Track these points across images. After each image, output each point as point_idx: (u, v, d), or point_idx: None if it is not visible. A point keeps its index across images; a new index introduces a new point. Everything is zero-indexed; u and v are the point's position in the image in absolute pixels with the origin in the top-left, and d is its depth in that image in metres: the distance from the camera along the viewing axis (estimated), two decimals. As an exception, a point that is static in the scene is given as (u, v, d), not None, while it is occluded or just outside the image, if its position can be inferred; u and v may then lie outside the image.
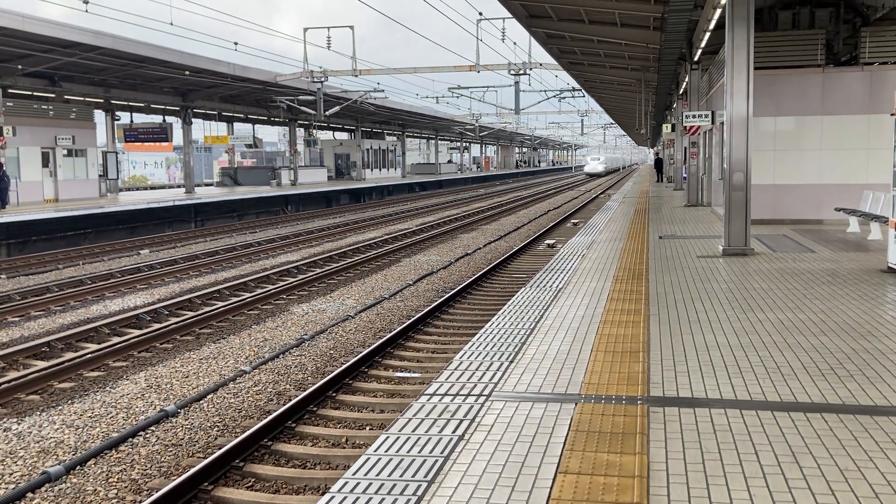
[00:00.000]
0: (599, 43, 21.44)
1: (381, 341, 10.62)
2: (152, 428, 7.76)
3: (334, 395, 8.78)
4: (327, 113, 37.52)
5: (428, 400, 4.94)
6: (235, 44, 26.99)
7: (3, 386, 8.92)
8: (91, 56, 23.81)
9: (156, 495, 5.90)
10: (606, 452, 4.00)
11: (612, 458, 3.93)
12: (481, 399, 4.94)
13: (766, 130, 15.84)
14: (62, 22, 21.38)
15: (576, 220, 29.42)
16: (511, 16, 18.19)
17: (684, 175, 27.37)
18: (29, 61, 23.85)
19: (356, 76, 32.04)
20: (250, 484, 6.61)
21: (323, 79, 32.55)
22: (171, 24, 22.86)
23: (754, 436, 4.21)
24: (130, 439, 7.46)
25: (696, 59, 21.39)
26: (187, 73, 28.35)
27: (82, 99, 31.59)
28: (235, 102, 40.13)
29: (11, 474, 6.76)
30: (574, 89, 45.67)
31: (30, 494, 6.33)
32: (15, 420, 8.07)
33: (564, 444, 4.14)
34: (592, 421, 4.48)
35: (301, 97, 36.70)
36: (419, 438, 4.28)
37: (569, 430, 4.35)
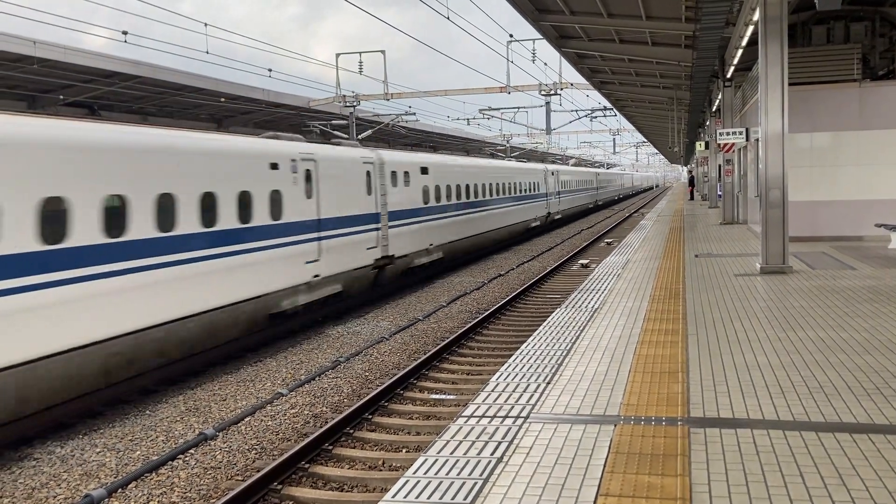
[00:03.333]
0: (631, 62, 21.40)
1: (415, 363, 10.63)
2: (191, 451, 7.84)
3: (370, 417, 8.80)
4: (360, 136, 37.87)
5: (465, 422, 4.93)
6: (269, 70, 27.40)
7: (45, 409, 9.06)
8: (129, 85, 24.35)
9: (196, 518, 5.91)
10: (647, 474, 3.95)
11: (654, 480, 3.88)
12: (519, 421, 4.91)
13: (802, 147, 15.64)
14: (102, 53, 21.91)
15: (610, 240, 29.26)
16: (542, 37, 18.23)
17: (719, 193, 27.11)
18: (70, 91, 24.46)
19: (388, 100, 32.28)
20: (288, 507, 6.63)
21: (355, 103, 32.86)
22: (207, 52, 23.27)
23: (799, 457, 4.13)
24: (170, 462, 7.54)
25: (728, 76, 21.23)
26: (223, 99, 28.84)
27: (121, 127, 32.21)
28: (270, 128, 40.70)
29: (55, 497, 6.86)
30: (605, 108, 45.59)
31: (73, 517, 6.40)
32: (58, 443, 8.20)
33: (605, 466, 4.10)
34: (632, 443, 4.43)
35: (334, 121, 37.11)
36: (457, 461, 4.26)
37: (609, 451, 4.31)
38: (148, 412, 9.24)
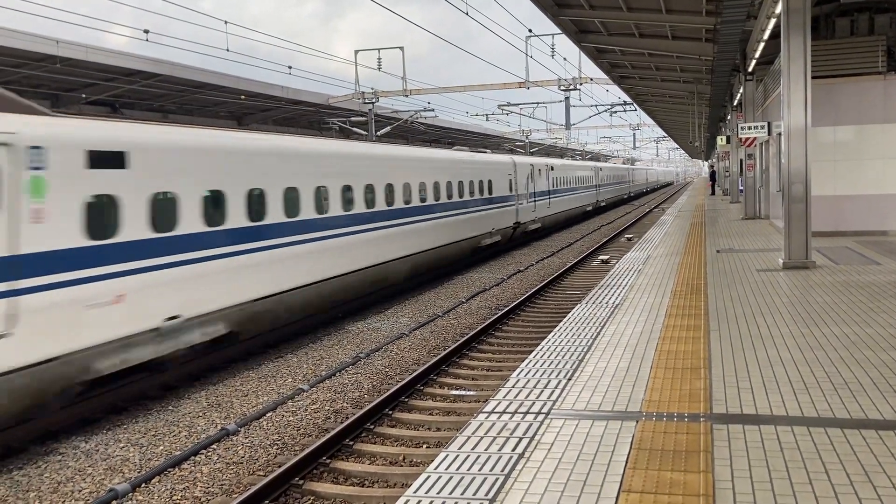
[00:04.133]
0: (651, 56, 21.25)
1: (435, 359, 10.64)
2: (214, 446, 7.90)
3: (391, 412, 8.82)
4: (378, 133, 37.93)
5: (486, 418, 4.93)
6: (289, 68, 27.47)
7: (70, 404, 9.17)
8: (150, 83, 24.53)
9: (219, 513, 5.96)
10: (670, 471, 3.93)
11: (677, 476, 3.85)
12: (540, 417, 4.90)
13: (825, 141, 15.46)
14: (124, 51, 22.08)
15: (630, 235, 29.11)
16: (561, 31, 18.15)
17: (741, 188, 26.88)
18: (92, 90, 24.68)
19: (406, 96, 32.26)
20: (310, 502, 6.67)
21: (374, 100, 32.88)
22: (228, 49, 23.40)
23: (823, 454, 4.09)
24: (193, 457, 7.60)
25: (750, 69, 21.02)
26: (243, 97, 28.97)
27: (142, 125, 32.43)
28: (289, 125, 40.83)
29: (80, 491, 6.94)
30: (625, 103, 45.28)
31: (98, 511, 6.47)
32: (83, 438, 8.29)
33: (627, 462, 4.08)
34: (655, 439, 4.41)
35: (353, 118, 37.16)
36: (479, 456, 4.26)
37: (631, 448, 4.29)
38: (170, 408, 9.33)
